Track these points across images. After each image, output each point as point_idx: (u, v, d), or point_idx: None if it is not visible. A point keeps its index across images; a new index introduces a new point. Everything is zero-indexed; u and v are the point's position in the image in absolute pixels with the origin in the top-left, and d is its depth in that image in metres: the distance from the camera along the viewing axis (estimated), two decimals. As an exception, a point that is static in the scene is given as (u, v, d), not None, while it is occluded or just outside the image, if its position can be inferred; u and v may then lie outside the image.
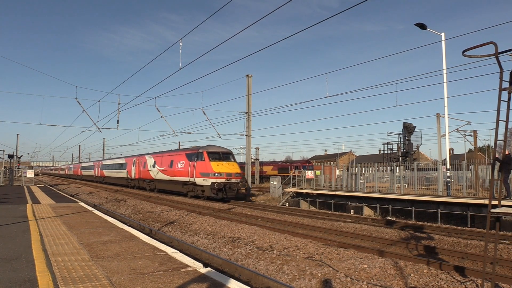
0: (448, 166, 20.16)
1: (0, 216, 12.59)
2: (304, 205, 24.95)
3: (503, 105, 5.54)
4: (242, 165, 31.84)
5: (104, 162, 53.43)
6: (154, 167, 33.15)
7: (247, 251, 10.24)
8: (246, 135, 31.25)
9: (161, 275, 5.47)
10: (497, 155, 6.08)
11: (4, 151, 75.71)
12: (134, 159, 39.15)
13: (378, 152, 65.36)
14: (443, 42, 19.85)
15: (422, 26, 19.13)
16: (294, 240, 11.01)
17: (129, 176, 40.41)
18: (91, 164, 63.40)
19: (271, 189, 31.65)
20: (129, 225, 14.40)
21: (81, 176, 70.50)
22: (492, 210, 5.58)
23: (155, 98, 27.28)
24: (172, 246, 10.71)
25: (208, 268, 5.91)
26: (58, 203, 18.10)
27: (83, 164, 72.18)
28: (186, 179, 27.34)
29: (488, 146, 55.63)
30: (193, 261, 6.43)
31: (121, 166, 43.82)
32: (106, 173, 49.77)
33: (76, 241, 8.18)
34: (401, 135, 32.65)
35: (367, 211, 20.22)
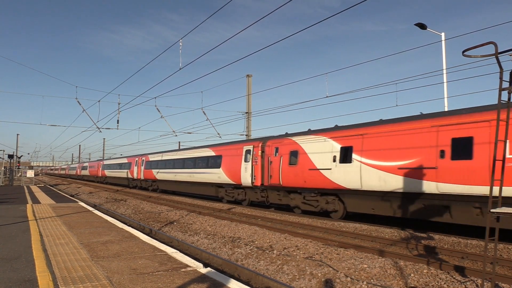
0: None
1: (0, 216, 12.59)
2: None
3: (503, 105, 5.55)
4: None
5: (155, 157, 33.58)
6: (347, 158, 14.73)
7: (247, 251, 10.24)
8: (246, 135, 31.27)
9: (161, 275, 5.47)
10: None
11: (4, 151, 76.00)
12: (249, 147, 20.45)
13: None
14: (443, 42, 19.85)
15: (422, 26, 19.14)
16: (294, 240, 11.01)
17: (233, 181, 21.48)
18: (125, 161, 42.80)
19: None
20: (129, 225, 14.43)
21: (103, 178, 52.78)
22: (492, 210, 5.58)
23: (155, 98, 27.23)
24: (172, 246, 10.73)
25: (208, 268, 5.91)
26: (58, 203, 18.10)
27: (107, 162, 51.09)
28: None
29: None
30: (193, 261, 6.43)
31: (202, 163, 25.23)
32: (161, 174, 31.71)
33: (76, 241, 8.18)
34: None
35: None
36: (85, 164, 67.26)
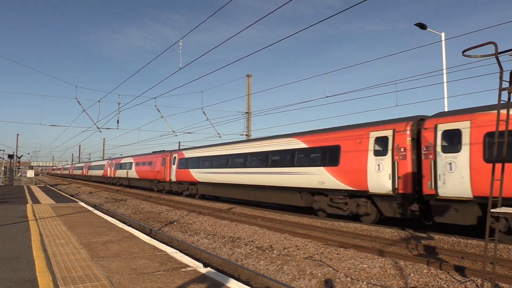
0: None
1: (0, 216, 12.60)
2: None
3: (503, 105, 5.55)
4: None
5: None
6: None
7: (247, 251, 10.24)
8: (246, 135, 31.27)
9: (161, 275, 5.47)
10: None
11: (4, 151, 75.98)
12: None
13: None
14: (443, 42, 19.85)
15: (422, 26, 19.13)
16: (294, 240, 11.01)
17: None
18: (281, 146, 17.73)
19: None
20: (129, 225, 14.43)
21: (185, 186, 27.56)
22: (492, 210, 5.58)
23: (155, 98, 27.25)
24: (172, 246, 10.74)
25: (208, 268, 5.92)
26: (58, 203, 18.10)
27: (193, 154, 26.37)
28: None
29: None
30: (193, 261, 6.43)
31: None
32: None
33: (76, 241, 8.19)
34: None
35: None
36: (125, 161, 38.78)
